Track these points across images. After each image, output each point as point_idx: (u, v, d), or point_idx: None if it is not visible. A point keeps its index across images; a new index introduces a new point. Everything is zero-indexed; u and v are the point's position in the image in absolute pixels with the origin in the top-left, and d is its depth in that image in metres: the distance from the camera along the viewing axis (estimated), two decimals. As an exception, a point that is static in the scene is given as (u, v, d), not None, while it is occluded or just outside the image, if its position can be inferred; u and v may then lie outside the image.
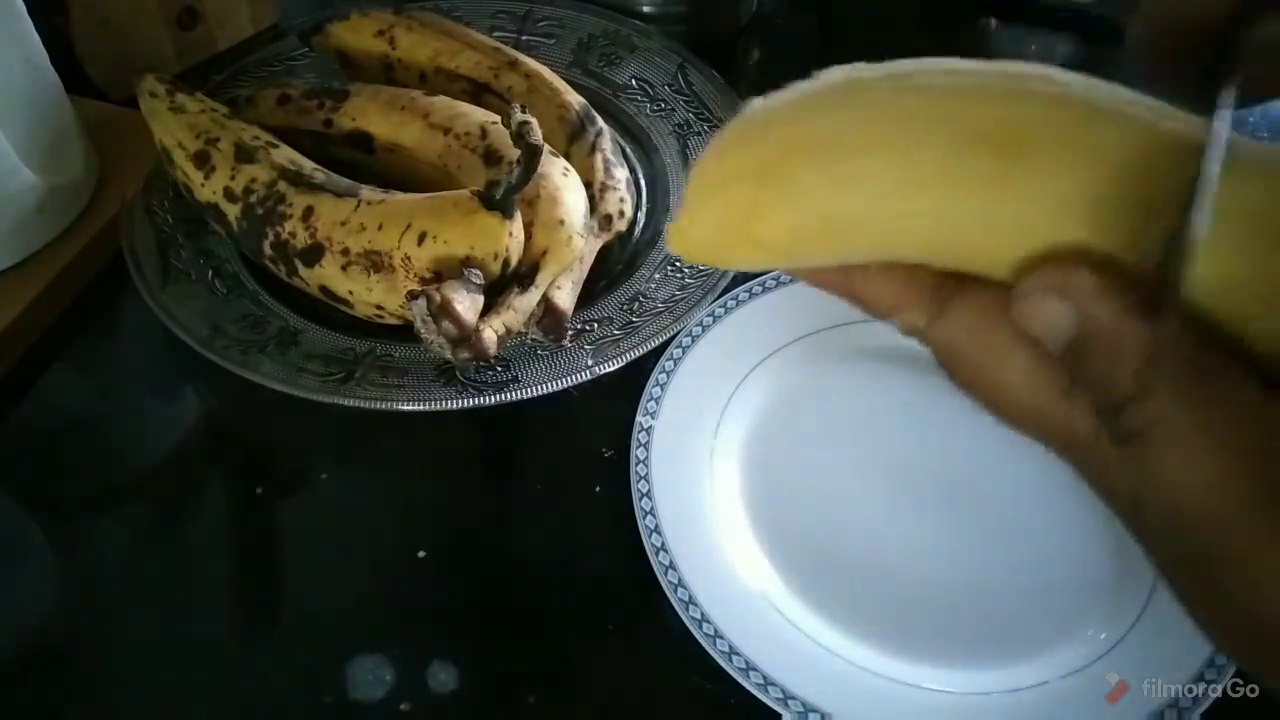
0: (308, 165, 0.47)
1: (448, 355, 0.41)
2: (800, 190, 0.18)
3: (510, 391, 0.42)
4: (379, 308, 0.44)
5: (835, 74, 0.19)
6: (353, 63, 0.56)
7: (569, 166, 0.47)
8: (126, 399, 0.49)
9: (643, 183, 0.54)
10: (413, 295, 0.41)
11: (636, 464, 0.41)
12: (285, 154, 0.47)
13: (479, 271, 0.42)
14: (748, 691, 0.35)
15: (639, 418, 0.43)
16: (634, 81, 0.58)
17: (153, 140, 0.49)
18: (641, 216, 0.52)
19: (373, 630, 0.39)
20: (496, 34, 0.59)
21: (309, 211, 0.44)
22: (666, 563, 0.38)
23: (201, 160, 0.47)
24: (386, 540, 0.42)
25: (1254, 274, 0.16)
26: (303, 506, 0.44)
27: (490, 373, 0.43)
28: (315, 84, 0.53)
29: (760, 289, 0.47)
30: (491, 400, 0.42)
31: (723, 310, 0.46)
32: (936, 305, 0.19)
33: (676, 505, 0.40)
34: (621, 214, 0.49)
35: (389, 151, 0.50)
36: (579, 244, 0.45)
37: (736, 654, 0.36)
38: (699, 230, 0.20)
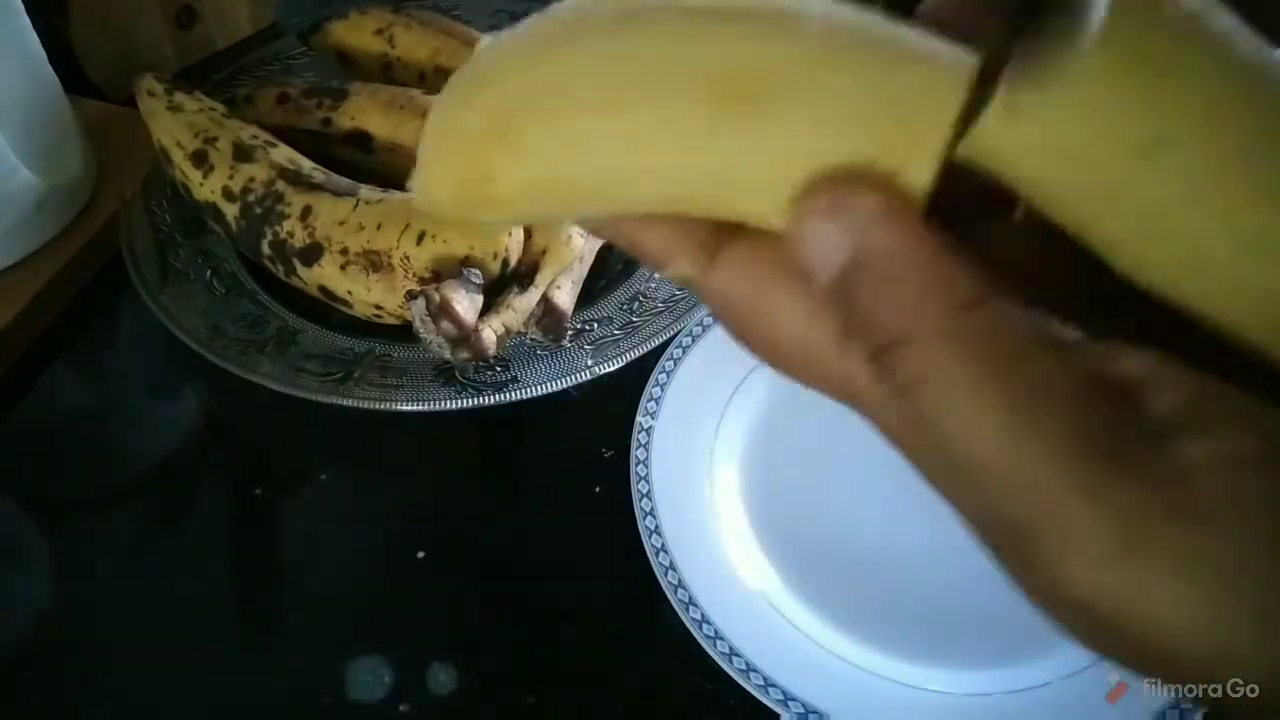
0: (306, 164, 0.47)
1: (447, 355, 0.41)
2: (529, 150, 0.17)
3: (510, 391, 0.42)
4: (378, 307, 0.44)
5: (564, 6, 0.17)
6: (352, 62, 0.56)
7: (569, 166, 0.47)
8: (125, 399, 0.49)
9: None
10: (412, 295, 0.41)
11: (636, 464, 0.41)
12: (284, 153, 0.47)
13: (478, 271, 0.42)
14: (748, 692, 0.35)
15: (639, 418, 0.42)
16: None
17: (151, 140, 0.49)
18: (641, 216, 0.52)
19: (372, 631, 0.39)
20: (496, 33, 0.58)
21: (307, 211, 0.44)
22: (666, 563, 0.38)
23: (200, 159, 0.47)
24: (386, 541, 0.42)
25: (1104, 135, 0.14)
26: (302, 507, 0.44)
27: (490, 373, 0.43)
28: (314, 83, 0.53)
29: (760, 288, 0.47)
30: (491, 400, 0.42)
31: (723, 310, 0.46)
32: (707, 255, 0.17)
33: (676, 505, 0.40)
34: (621, 213, 0.49)
35: (388, 151, 0.49)
36: (578, 243, 0.45)
37: (737, 655, 0.36)
38: (439, 189, 0.19)
